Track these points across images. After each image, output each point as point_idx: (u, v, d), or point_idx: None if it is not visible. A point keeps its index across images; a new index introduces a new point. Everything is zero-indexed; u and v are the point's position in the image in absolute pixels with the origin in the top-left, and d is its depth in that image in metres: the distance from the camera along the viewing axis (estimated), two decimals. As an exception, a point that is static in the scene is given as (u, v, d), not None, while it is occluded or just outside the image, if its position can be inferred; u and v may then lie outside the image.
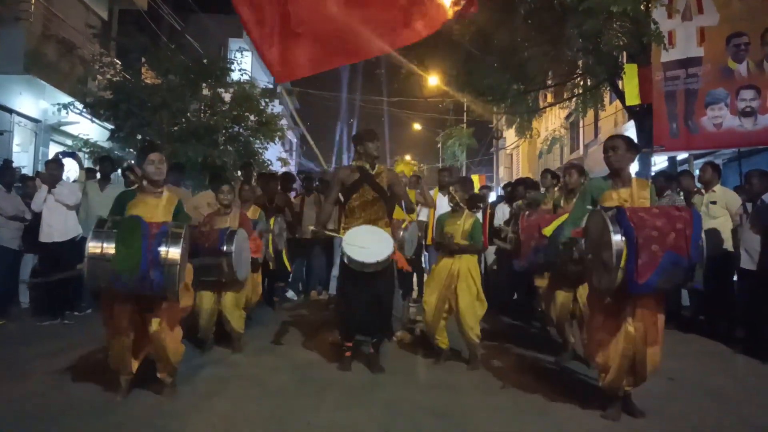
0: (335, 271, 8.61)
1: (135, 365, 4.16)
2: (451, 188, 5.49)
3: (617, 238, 3.43)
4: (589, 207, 3.98)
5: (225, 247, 5.09)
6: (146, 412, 3.85)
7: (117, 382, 4.12)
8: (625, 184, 3.92)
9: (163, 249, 3.75)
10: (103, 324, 4.09)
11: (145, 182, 4.22)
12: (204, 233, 5.24)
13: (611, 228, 3.46)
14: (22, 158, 11.28)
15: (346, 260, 4.70)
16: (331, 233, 5.39)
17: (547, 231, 4.93)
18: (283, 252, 7.32)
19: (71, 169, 8.82)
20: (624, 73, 9.97)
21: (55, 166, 7.11)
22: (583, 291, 4.95)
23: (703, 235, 3.50)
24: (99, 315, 7.10)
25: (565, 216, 4.66)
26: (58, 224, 6.94)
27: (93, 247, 3.71)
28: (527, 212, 5.74)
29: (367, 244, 4.66)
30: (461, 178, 6.11)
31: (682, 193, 7.11)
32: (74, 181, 7.96)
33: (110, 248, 3.70)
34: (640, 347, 3.65)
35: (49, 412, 3.80)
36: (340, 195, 5.09)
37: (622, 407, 3.86)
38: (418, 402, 4.13)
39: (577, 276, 4.75)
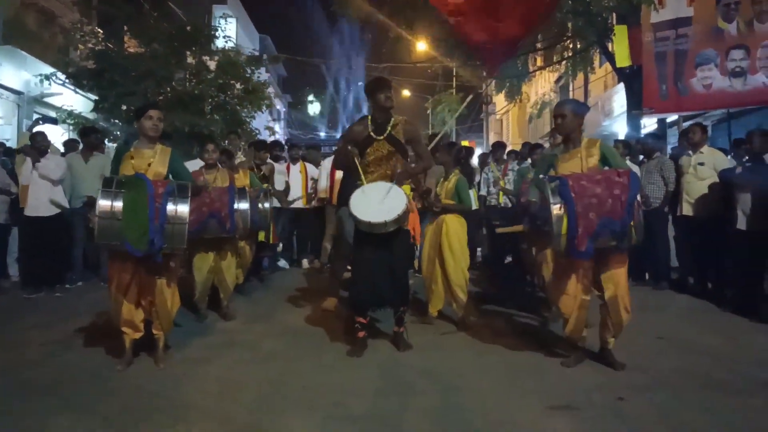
0: (326, 242, 8.68)
1: (141, 322, 4.14)
2: (437, 153, 5.43)
3: (556, 210, 3.75)
4: (540, 176, 4.28)
5: (240, 205, 5.16)
6: (140, 378, 3.86)
7: (120, 346, 4.12)
8: (575, 145, 4.15)
9: (171, 207, 3.83)
10: (108, 280, 4.09)
11: (141, 135, 4.20)
12: (206, 189, 5.20)
13: (551, 200, 3.78)
14: (6, 131, 11.12)
15: (353, 219, 4.27)
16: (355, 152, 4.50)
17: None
18: (270, 223, 7.31)
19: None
20: (614, 34, 9.91)
21: (41, 138, 6.96)
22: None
23: (639, 197, 3.79)
24: (89, 287, 7.20)
25: None
26: (44, 198, 6.83)
27: (103, 205, 3.71)
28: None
29: (375, 202, 4.20)
30: (447, 143, 6.02)
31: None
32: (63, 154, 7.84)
33: (120, 207, 3.72)
34: (611, 299, 3.93)
35: (45, 380, 3.81)
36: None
37: (603, 360, 4.07)
38: (410, 363, 4.17)
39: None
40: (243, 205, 5.32)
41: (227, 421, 3.16)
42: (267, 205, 6.11)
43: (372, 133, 4.49)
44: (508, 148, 9.83)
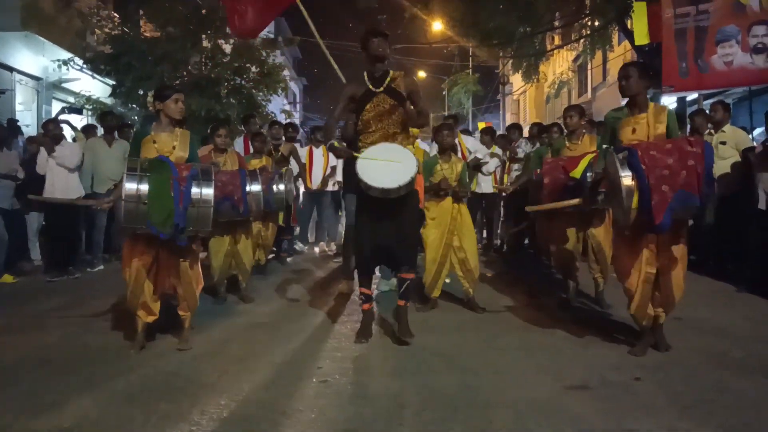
0: (341, 227, 8.72)
1: (157, 306, 4.16)
2: (444, 132, 5.28)
3: (627, 182, 3.53)
4: (605, 146, 4.11)
5: (253, 187, 5.22)
6: (160, 358, 3.94)
7: (133, 329, 4.16)
8: (642, 110, 3.95)
9: (195, 190, 3.87)
10: (123, 261, 4.11)
11: (163, 118, 4.17)
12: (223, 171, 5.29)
13: (620, 172, 3.55)
14: (26, 117, 11.23)
15: (363, 187, 3.96)
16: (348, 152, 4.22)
17: (576, 173, 4.81)
18: (292, 205, 7.34)
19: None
20: (633, 11, 9.72)
21: (53, 126, 7.06)
22: (595, 230, 5.00)
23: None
24: (110, 271, 7.33)
25: (589, 157, 4.73)
26: (61, 185, 6.94)
27: (129, 189, 3.73)
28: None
29: (386, 166, 3.91)
30: (448, 124, 5.89)
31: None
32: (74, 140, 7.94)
33: (145, 190, 3.75)
34: (664, 272, 3.81)
35: (65, 360, 3.90)
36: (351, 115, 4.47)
37: (657, 339, 3.96)
38: (426, 344, 4.18)
39: (589, 215, 4.91)
40: (255, 188, 5.32)
41: (244, 401, 3.21)
42: (282, 186, 6.11)
43: (371, 87, 4.23)
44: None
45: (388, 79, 4.23)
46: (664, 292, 3.88)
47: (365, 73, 4.29)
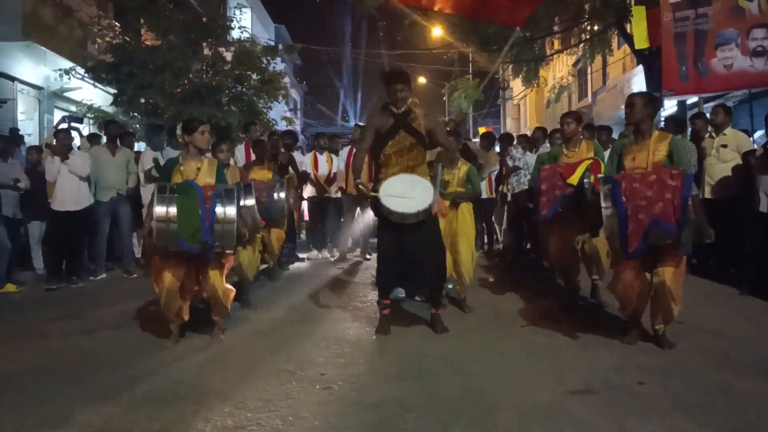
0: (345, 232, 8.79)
1: (186, 312, 4.50)
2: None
3: (607, 213, 3.92)
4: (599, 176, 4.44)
5: (247, 201, 5.27)
6: (164, 366, 3.94)
7: (167, 330, 4.47)
8: (645, 138, 4.13)
9: (219, 209, 4.17)
10: (154, 276, 4.38)
11: (191, 148, 4.48)
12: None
13: (603, 204, 3.93)
14: (27, 126, 11.26)
15: (384, 212, 4.36)
16: (372, 193, 4.53)
17: (573, 180, 4.84)
18: (294, 213, 7.38)
19: (75, 137, 8.83)
20: (632, 15, 9.76)
21: (64, 135, 7.11)
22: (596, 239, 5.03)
23: (690, 201, 3.76)
24: (112, 279, 7.34)
25: (586, 163, 4.82)
26: (72, 194, 6.98)
27: (159, 211, 4.03)
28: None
29: (406, 193, 4.31)
30: (455, 131, 6.00)
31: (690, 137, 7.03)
32: (79, 148, 7.98)
33: (174, 212, 4.05)
34: (659, 286, 3.94)
35: (68, 369, 3.91)
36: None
37: (659, 344, 4.09)
38: (429, 349, 4.20)
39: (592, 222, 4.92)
40: (249, 202, 5.30)
41: (247, 408, 3.21)
42: (283, 195, 6.16)
43: (394, 125, 4.49)
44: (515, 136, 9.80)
45: (409, 118, 4.50)
46: (663, 306, 4.00)
47: (390, 107, 4.53)
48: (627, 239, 3.80)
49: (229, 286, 4.56)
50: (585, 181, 4.67)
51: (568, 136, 5.28)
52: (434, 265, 4.57)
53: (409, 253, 4.46)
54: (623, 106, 4.37)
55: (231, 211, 4.20)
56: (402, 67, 4.84)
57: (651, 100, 4.22)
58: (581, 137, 5.37)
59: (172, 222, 4.03)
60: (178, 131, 4.52)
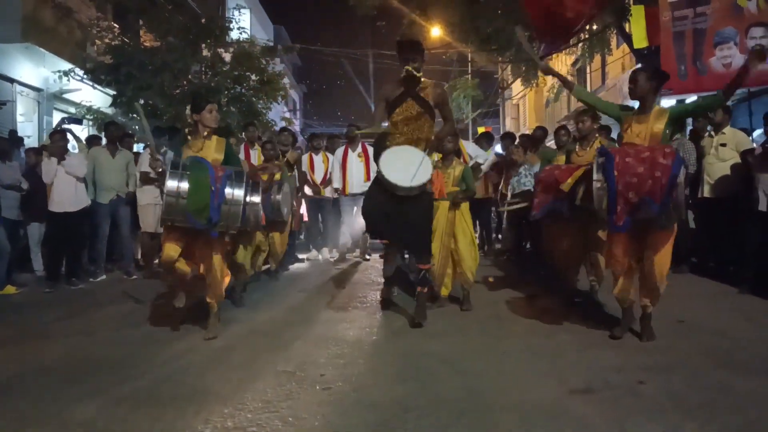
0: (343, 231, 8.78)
1: (186, 265, 4.54)
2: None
3: (597, 185, 3.99)
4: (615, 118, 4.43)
5: (253, 198, 5.30)
6: (164, 367, 3.94)
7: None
8: (645, 112, 4.20)
9: (228, 190, 4.32)
10: (162, 245, 4.52)
11: (200, 128, 4.59)
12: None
13: (594, 176, 4.02)
14: (27, 128, 11.27)
15: (379, 176, 4.54)
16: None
17: (566, 186, 4.79)
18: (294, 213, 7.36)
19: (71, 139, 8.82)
20: (630, 15, 9.74)
21: (59, 137, 7.11)
22: (595, 236, 5.06)
23: (681, 178, 3.83)
24: (112, 281, 7.34)
25: (583, 170, 4.73)
26: (69, 195, 6.99)
27: (170, 185, 4.15)
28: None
29: (404, 165, 4.42)
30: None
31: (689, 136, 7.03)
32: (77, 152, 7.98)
33: (185, 188, 4.17)
34: (648, 262, 4.07)
35: (68, 370, 3.90)
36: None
37: (641, 329, 4.25)
38: (429, 349, 4.19)
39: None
40: (255, 199, 5.28)
41: (247, 409, 3.21)
42: (280, 197, 6.16)
43: (403, 93, 4.61)
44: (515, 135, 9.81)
45: (419, 88, 4.61)
46: (648, 280, 4.11)
47: (402, 77, 4.62)
48: (616, 214, 3.90)
49: (226, 269, 4.68)
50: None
51: (583, 134, 5.26)
52: (420, 235, 4.71)
53: (394, 215, 4.57)
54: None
55: (239, 193, 4.35)
56: (416, 35, 4.96)
57: (654, 74, 4.30)
58: (596, 136, 5.35)
59: (182, 198, 4.15)
60: (187, 112, 4.66)
